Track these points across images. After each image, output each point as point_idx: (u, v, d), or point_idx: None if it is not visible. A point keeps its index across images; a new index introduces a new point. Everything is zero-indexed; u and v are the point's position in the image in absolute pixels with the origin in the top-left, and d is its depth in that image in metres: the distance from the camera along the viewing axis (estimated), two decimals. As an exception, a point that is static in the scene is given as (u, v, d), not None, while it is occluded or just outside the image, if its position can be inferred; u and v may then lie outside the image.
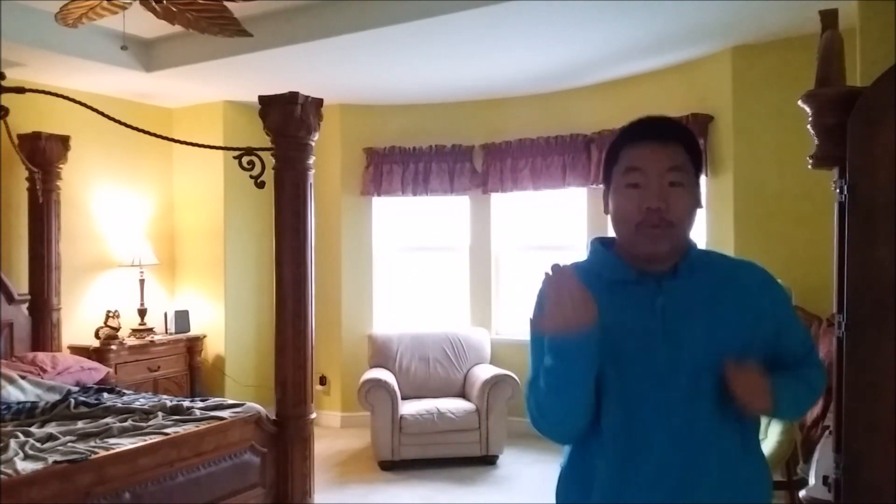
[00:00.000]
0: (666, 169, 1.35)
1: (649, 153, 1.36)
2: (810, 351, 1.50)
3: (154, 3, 3.00)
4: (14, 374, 3.89)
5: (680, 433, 1.32)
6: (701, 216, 4.61)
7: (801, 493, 2.12)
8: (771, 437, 3.10)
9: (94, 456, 2.77)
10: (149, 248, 5.45)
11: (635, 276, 1.38)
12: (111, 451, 2.85)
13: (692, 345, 1.33)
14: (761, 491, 1.42)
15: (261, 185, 3.30)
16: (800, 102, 2.08)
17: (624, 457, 1.34)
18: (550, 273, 1.26)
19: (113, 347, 4.95)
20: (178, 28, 3.34)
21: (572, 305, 1.23)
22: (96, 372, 4.42)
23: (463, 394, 5.20)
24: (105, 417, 3.43)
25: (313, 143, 3.34)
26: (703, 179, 1.70)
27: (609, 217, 1.43)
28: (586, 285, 1.27)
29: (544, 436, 1.41)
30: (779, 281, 1.54)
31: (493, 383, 4.83)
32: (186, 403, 3.63)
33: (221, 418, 3.32)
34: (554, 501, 1.48)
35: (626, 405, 1.34)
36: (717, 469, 1.33)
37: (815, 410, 3.12)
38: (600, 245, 1.47)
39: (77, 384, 4.16)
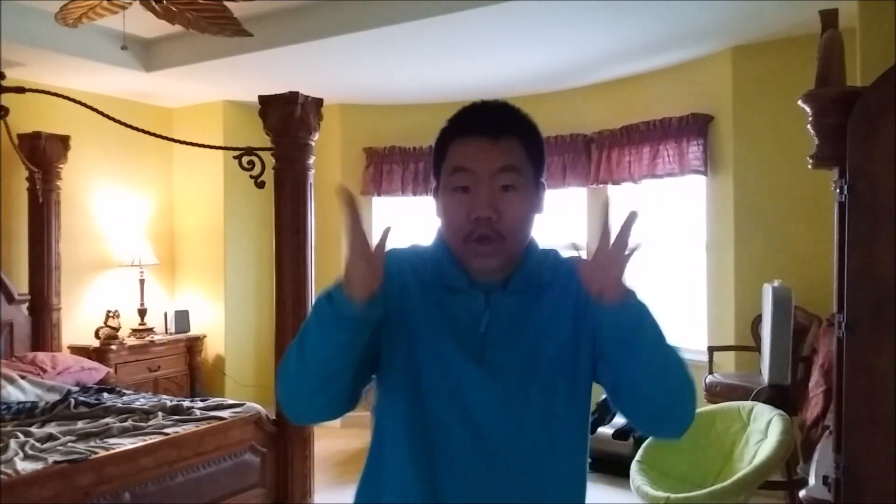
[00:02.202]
0: (497, 170, 1.16)
1: (478, 151, 1.17)
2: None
3: (154, 3, 3.00)
4: (14, 374, 3.89)
5: (479, 458, 1.17)
6: (701, 216, 4.65)
7: (801, 493, 2.12)
8: (771, 437, 3.10)
9: (94, 456, 2.78)
10: (149, 248, 5.45)
11: (466, 284, 1.21)
12: (111, 451, 2.85)
13: (508, 371, 1.18)
14: None
15: (261, 185, 3.30)
16: (800, 102, 2.08)
17: (419, 466, 1.19)
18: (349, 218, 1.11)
19: (113, 347, 4.95)
20: (178, 28, 3.34)
21: (356, 264, 1.08)
22: (96, 372, 4.42)
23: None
24: (105, 417, 3.43)
25: (313, 143, 3.34)
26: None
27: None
28: (415, 277, 1.19)
29: (283, 404, 1.21)
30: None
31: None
32: (186, 403, 3.63)
33: (221, 418, 3.32)
34: None
35: (426, 419, 1.19)
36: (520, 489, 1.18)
37: (816, 410, 3.12)
38: (441, 242, 1.25)
39: (77, 384, 4.16)
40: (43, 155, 4.66)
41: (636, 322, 1.11)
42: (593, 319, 1.15)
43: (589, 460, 1.30)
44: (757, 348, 4.01)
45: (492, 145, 1.17)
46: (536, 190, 1.22)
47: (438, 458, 1.19)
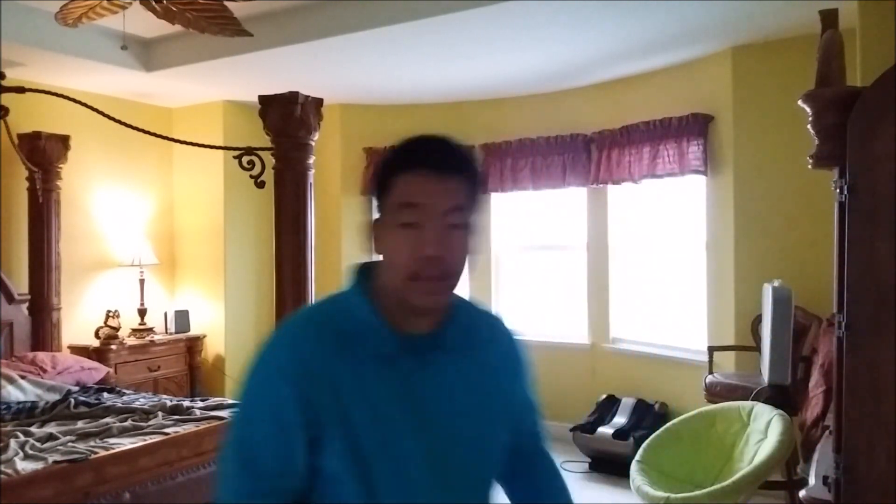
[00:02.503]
0: (448, 209, 1.10)
1: (429, 188, 1.10)
2: (541, 433, 1.29)
3: (154, 3, 3.00)
4: (14, 374, 3.89)
5: None
6: (701, 216, 4.65)
7: (801, 493, 2.12)
8: (771, 437, 3.10)
9: (94, 456, 2.77)
10: (149, 248, 5.45)
11: (397, 349, 1.13)
12: (111, 451, 2.85)
13: (450, 438, 1.14)
14: None
15: (261, 185, 3.30)
16: (800, 102, 2.08)
17: None
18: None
19: (113, 347, 4.95)
20: (178, 28, 3.34)
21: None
22: (96, 372, 4.42)
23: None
24: (105, 417, 3.43)
25: (313, 143, 3.34)
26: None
27: (381, 257, 1.16)
28: (344, 357, 1.10)
29: None
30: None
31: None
32: (186, 403, 3.63)
33: (221, 418, 3.32)
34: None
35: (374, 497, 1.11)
36: None
37: (816, 410, 3.12)
38: (357, 296, 1.16)
39: (77, 384, 4.16)
40: (43, 155, 4.65)
41: None
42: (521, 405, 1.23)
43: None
44: (757, 348, 4.01)
45: (442, 182, 1.11)
46: (476, 230, 1.17)
47: None
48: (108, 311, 5.15)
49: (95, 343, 4.99)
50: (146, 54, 4.81)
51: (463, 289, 1.25)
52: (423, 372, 1.14)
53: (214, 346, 5.75)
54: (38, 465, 2.69)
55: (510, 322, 1.30)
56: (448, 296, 1.15)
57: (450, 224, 1.11)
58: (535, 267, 5.70)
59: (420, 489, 1.11)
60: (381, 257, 1.16)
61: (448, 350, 1.16)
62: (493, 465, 1.22)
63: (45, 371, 4.13)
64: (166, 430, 3.14)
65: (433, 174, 1.11)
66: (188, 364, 5.52)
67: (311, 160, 3.33)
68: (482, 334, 1.22)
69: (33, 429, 3.24)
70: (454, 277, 1.14)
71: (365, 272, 1.19)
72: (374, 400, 1.10)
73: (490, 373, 1.20)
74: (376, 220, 1.16)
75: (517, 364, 1.27)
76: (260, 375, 1.18)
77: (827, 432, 2.54)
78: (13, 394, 3.74)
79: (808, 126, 2.07)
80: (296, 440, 1.08)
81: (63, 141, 4.80)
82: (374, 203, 1.16)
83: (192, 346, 5.56)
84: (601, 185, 5.19)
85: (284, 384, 1.10)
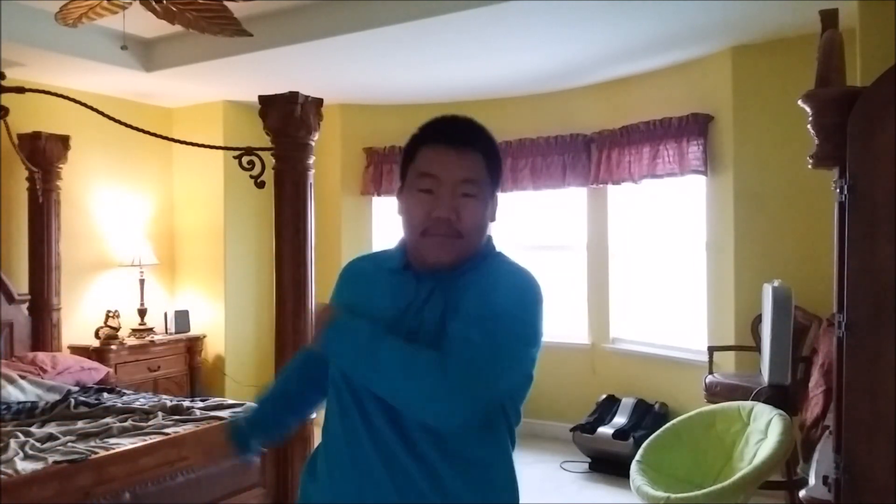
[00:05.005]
0: (461, 179, 1.30)
1: (446, 160, 1.31)
2: (458, 339, 1.26)
3: (154, 3, 3.00)
4: (14, 374, 3.89)
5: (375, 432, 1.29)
6: (701, 216, 4.65)
7: (801, 493, 2.12)
8: (771, 437, 3.10)
9: (94, 456, 2.78)
10: (149, 248, 5.45)
11: (401, 266, 1.37)
12: (111, 451, 2.85)
13: (419, 326, 1.30)
14: None
15: (261, 185, 3.30)
16: (800, 102, 2.08)
17: (334, 448, 1.34)
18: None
19: (113, 347, 4.95)
20: (178, 28, 3.34)
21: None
22: (96, 372, 4.42)
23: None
24: (105, 417, 3.43)
25: (313, 143, 3.34)
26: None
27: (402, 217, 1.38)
28: (368, 275, 1.40)
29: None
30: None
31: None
32: (186, 403, 3.63)
33: (221, 418, 3.32)
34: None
35: (346, 402, 1.34)
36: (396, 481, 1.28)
37: (816, 410, 3.12)
38: (398, 243, 1.43)
39: (77, 384, 4.16)
40: (43, 155, 4.65)
41: (336, 357, 1.34)
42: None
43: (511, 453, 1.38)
44: (757, 348, 4.01)
45: (458, 156, 1.31)
46: (492, 200, 1.36)
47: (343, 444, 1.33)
48: (108, 312, 5.15)
49: (95, 343, 4.99)
50: (146, 54, 4.81)
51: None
52: (416, 287, 1.33)
53: (214, 346, 5.74)
54: (38, 465, 2.70)
55: (531, 274, 1.39)
56: (454, 253, 1.31)
57: (462, 193, 1.30)
58: (535, 267, 5.67)
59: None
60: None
61: (437, 278, 1.32)
62: None
63: (45, 371, 4.13)
64: (166, 430, 3.14)
65: (451, 149, 1.32)
66: (188, 364, 5.52)
67: (311, 160, 3.33)
68: (475, 273, 1.34)
69: (33, 429, 3.24)
70: (463, 238, 1.31)
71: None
72: (372, 300, 1.36)
73: (459, 293, 1.31)
74: (400, 187, 1.38)
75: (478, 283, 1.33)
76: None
77: (827, 432, 2.54)
78: (13, 394, 3.74)
79: (808, 126, 2.07)
80: None
81: (63, 141, 4.80)
82: (399, 173, 1.38)
83: (192, 346, 5.56)
84: (601, 185, 5.19)
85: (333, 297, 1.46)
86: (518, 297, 1.31)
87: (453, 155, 1.31)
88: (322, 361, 1.40)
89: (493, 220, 1.37)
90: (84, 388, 4.11)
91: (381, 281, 1.38)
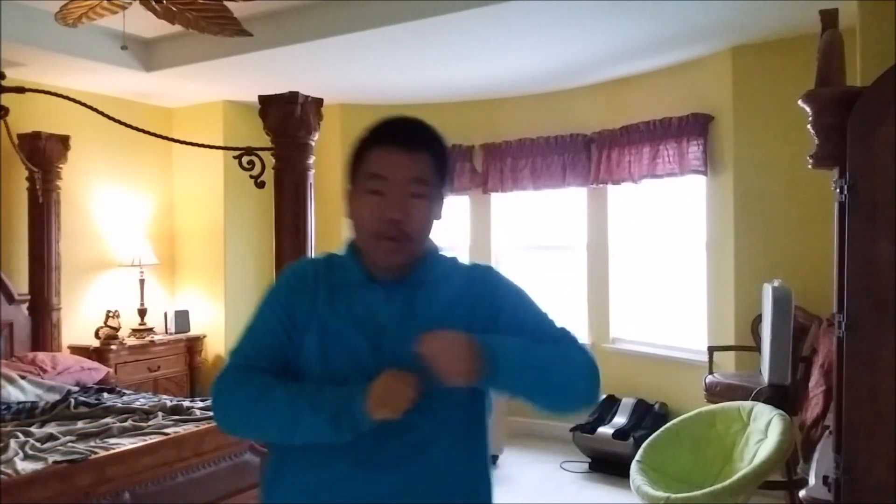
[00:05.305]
0: (409, 179, 1.30)
1: (394, 160, 1.31)
2: (557, 330, 1.39)
3: (154, 3, 3.00)
4: (14, 374, 3.89)
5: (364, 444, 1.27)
6: (701, 216, 4.65)
7: (801, 493, 2.12)
8: (771, 437, 3.10)
9: (94, 456, 2.77)
10: (149, 248, 5.45)
11: (366, 280, 1.34)
12: (111, 451, 2.85)
13: (404, 358, 1.24)
14: None
15: (261, 185, 3.30)
16: (800, 102, 2.08)
17: (313, 457, 1.30)
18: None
19: (113, 347, 4.95)
20: (178, 28, 3.34)
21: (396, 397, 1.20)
22: (96, 372, 4.42)
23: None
24: (105, 417, 3.43)
25: (313, 143, 3.34)
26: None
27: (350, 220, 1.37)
28: (324, 282, 1.35)
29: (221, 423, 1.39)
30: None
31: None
32: (186, 403, 3.63)
33: (221, 418, 3.31)
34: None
35: None
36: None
37: (816, 410, 3.12)
38: (349, 247, 1.40)
39: (77, 384, 4.16)
40: (43, 155, 4.65)
41: (506, 376, 1.25)
42: (492, 308, 1.34)
43: (491, 453, 1.42)
44: (757, 348, 4.01)
45: (406, 156, 1.31)
46: (439, 199, 1.36)
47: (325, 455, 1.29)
48: (108, 312, 5.15)
49: (95, 343, 4.99)
50: (146, 54, 4.81)
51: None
52: (387, 300, 1.33)
53: (214, 346, 5.74)
54: (38, 466, 2.70)
55: (487, 267, 1.44)
56: (405, 255, 1.32)
57: (411, 193, 1.30)
58: (535, 267, 5.70)
59: (365, 370, 1.27)
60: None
61: (408, 287, 1.33)
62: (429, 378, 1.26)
63: (45, 371, 4.13)
64: (166, 430, 3.14)
65: (399, 149, 1.31)
66: (188, 364, 5.52)
67: (311, 160, 3.33)
68: (439, 272, 1.37)
69: (33, 429, 3.24)
70: (413, 241, 1.31)
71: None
72: (342, 317, 1.32)
73: (446, 303, 1.34)
74: (350, 189, 1.36)
75: (492, 298, 1.37)
76: (267, 291, 1.48)
77: (827, 432, 2.54)
78: (13, 394, 3.74)
79: (808, 126, 2.07)
80: (276, 333, 1.38)
81: (63, 141, 4.80)
82: (348, 176, 1.36)
83: (192, 346, 5.56)
84: (601, 185, 5.19)
85: (277, 297, 1.42)
86: (514, 283, 1.43)
87: (402, 155, 1.31)
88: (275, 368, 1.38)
89: (438, 218, 1.37)
90: (84, 388, 4.11)
91: (349, 295, 1.34)
